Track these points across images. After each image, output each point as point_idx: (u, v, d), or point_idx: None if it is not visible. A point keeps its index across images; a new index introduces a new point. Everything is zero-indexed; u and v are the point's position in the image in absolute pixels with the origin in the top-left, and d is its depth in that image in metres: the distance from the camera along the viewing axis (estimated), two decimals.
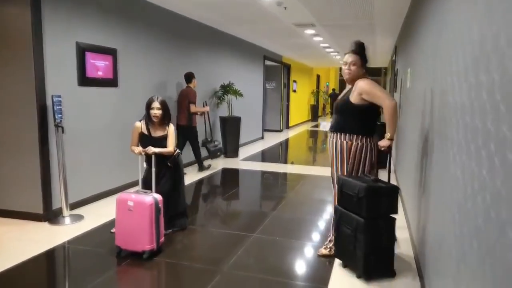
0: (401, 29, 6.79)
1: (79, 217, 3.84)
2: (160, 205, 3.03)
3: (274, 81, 12.67)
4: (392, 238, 2.72)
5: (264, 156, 8.33)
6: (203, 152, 6.40)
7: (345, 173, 2.93)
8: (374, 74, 21.33)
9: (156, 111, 3.29)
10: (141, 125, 3.36)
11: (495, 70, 1.25)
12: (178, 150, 3.49)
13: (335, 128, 2.96)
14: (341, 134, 2.90)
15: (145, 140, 3.33)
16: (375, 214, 2.65)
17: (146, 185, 3.31)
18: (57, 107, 3.66)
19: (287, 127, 13.80)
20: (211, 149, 6.49)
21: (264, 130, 11.18)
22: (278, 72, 12.59)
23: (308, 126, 15.26)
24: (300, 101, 15.62)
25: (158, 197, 3.05)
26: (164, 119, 3.37)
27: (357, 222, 2.65)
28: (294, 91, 14.38)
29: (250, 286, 2.67)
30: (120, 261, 2.97)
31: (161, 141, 3.35)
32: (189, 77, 5.94)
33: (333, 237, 3.05)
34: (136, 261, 2.95)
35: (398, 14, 5.77)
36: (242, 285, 2.68)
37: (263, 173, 6.56)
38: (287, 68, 13.23)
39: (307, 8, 5.47)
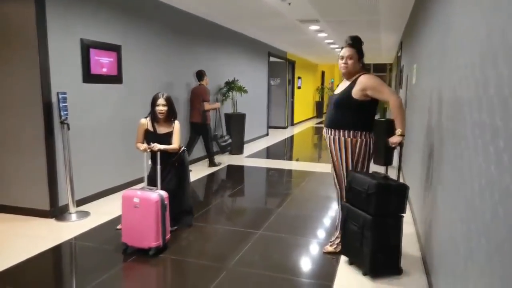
0: (407, 24, 6.74)
1: (85, 214, 3.86)
2: (166, 202, 3.04)
3: (279, 78, 12.64)
4: (399, 236, 2.70)
5: (269, 153, 8.32)
6: (214, 148, 6.51)
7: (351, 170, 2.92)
8: (379, 70, 21.21)
9: (161, 108, 3.29)
10: (146, 122, 3.36)
11: (503, 65, 1.24)
12: (183, 147, 3.49)
13: (335, 125, 2.90)
14: (344, 131, 2.86)
15: (150, 137, 3.33)
16: (383, 212, 2.63)
17: (152, 182, 3.31)
18: (63, 104, 3.68)
19: (292, 124, 13.77)
20: (221, 144, 6.59)
21: (269, 127, 11.16)
22: (282, 69, 12.55)
23: (313, 123, 15.21)
24: (305, 97, 15.57)
25: (164, 194, 3.05)
26: (170, 116, 3.37)
27: (365, 219, 2.64)
28: (299, 87, 14.34)
29: (255, 283, 2.67)
30: (126, 257, 2.98)
31: (167, 138, 3.34)
32: (201, 75, 6.06)
33: (339, 234, 3.04)
34: (142, 258, 2.96)
35: (403, 9, 5.72)
36: (247, 282, 2.68)
37: (268, 170, 6.55)
38: (292, 64, 13.18)
39: (312, 3, 5.43)
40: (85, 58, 4.10)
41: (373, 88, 2.77)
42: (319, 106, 17.76)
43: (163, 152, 3.26)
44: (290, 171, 6.55)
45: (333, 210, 4.19)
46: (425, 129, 3.22)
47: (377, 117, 6.82)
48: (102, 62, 4.35)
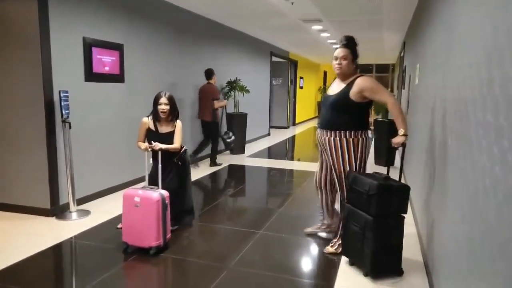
0: (410, 24, 6.71)
1: (86, 213, 3.86)
2: (167, 201, 3.02)
3: (281, 78, 12.62)
4: (401, 237, 2.68)
5: (271, 152, 8.30)
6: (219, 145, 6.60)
7: (353, 170, 2.91)
8: (382, 70, 21.16)
9: (163, 107, 3.28)
10: (148, 121, 3.35)
11: (509, 64, 1.22)
12: (185, 147, 3.48)
13: (332, 126, 2.88)
14: (345, 132, 2.86)
15: (152, 136, 3.32)
16: (384, 213, 2.61)
17: (153, 182, 3.30)
18: (64, 103, 3.67)
19: (294, 124, 13.76)
20: (226, 140, 6.65)
21: (271, 126, 11.14)
22: (284, 68, 12.54)
23: (315, 123, 15.19)
24: (307, 97, 15.56)
25: (165, 193, 3.04)
26: (172, 115, 3.36)
27: (366, 220, 2.62)
28: (301, 87, 14.32)
29: (256, 283, 2.65)
30: (126, 257, 2.97)
31: (168, 137, 3.33)
32: (209, 74, 6.18)
33: (340, 235, 3.03)
34: (142, 257, 2.95)
35: (407, 8, 5.70)
36: (248, 282, 2.67)
37: (270, 169, 6.54)
38: (294, 64, 13.17)
39: (314, 3, 5.41)
40: (87, 57, 4.10)
41: (371, 90, 2.78)
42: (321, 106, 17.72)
43: (164, 151, 3.25)
44: (291, 171, 6.53)
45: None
46: (428, 129, 3.20)
47: (379, 117, 6.81)
48: (104, 61, 4.34)
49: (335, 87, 2.97)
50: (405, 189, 2.68)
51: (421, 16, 4.68)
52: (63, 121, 3.70)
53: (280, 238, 3.40)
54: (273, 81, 12.04)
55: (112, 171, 4.58)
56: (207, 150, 6.71)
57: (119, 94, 4.65)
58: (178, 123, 3.41)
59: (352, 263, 2.85)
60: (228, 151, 7.62)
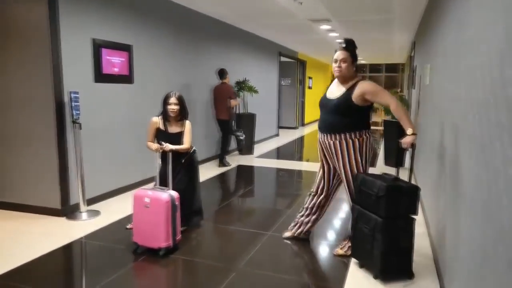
0: (420, 23, 6.64)
1: (96, 213, 3.88)
2: (177, 202, 3.02)
3: (289, 78, 12.59)
4: (411, 239, 2.65)
5: (279, 153, 8.28)
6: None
7: (362, 170, 2.89)
8: (391, 70, 21.00)
9: (173, 107, 3.29)
10: (158, 121, 3.36)
11: None
12: (194, 148, 3.48)
13: (336, 129, 2.87)
14: (350, 133, 2.85)
15: (161, 136, 3.33)
16: (394, 214, 2.58)
17: (162, 182, 3.31)
18: (75, 104, 3.70)
19: (303, 124, 13.72)
20: (240, 137, 6.72)
21: (279, 127, 11.12)
22: (293, 69, 12.50)
23: None
24: (315, 98, 15.44)
25: (175, 194, 3.04)
26: (181, 115, 3.37)
27: (376, 221, 2.59)
28: (310, 87, 14.27)
29: (264, 284, 2.64)
30: (136, 257, 2.98)
31: (178, 138, 3.34)
32: (223, 74, 6.34)
33: (349, 237, 3.01)
34: (151, 258, 2.96)
35: (417, 7, 5.63)
36: (257, 284, 2.66)
37: (278, 170, 6.52)
38: (303, 64, 13.12)
39: (324, 3, 5.39)
40: (97, 58, 4.13)
41: (372, 93, 2.81)
42: None
43: (173, 151, 3.26)
44: (300, 171, 6.51)
45: (344, 212, 4.14)
46: (439, 130, 3.16)
47: (388, 118, 6.74)
48: (114, 62, 4.37)
49: (335, 90, 2.95)
50: (415, 190, 2.64)
51: (431, 15, 4.63)
52: (74, 122, 3.73)
53: (289, 240, 3.38)
54: (282, 81, 12.02)
55: (121, 172, 4.60)
56: (212, 151, 6.72)
57: (128, 95, 4.67)
58: (187, 123, 3.41)
59: (361, 265, 2.83)
60: (236, 152, 7.62)
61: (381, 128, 10.43)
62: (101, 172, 4.29)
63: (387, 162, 6.59)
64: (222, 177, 5.82)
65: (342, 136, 2.86)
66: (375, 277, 2.66)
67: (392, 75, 21.17)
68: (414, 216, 2.65)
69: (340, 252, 3.04)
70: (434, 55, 4.06)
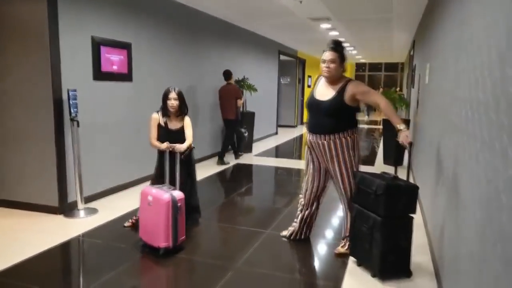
0: (420, 22, 6.63)
1: (94, 211, 3.88)
2: (180, 203, 2.94)
3: (289, 76, 12.58)
4: (410, 238, 2.65)
5: (278, 151, 8.28)
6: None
7: (354, 167, 2.93)
8: (391, 69, 21.00)
9: (173, 102, 3.29)
10: (158, 117, 3.35)
11: None
12: (192, 145, 3.48)
13: (329, 130, 2.88)
14: (343, 133, 2.88)
15: (162, 132, 3.32)
16: (392, 213, 2.58)
17: (158, 180, 3.30)
18: (73, 101, 3.69)
19: (302, 122, 13.70)
20: (244, 134, 6.92)
21: (278, 125, 11.11)
22: (293, 67, 12.49)
23: None
24: None
25: (178, 195, 2.97)
26: (181, 111, 3.37)
27: (374, 220, 2.59)
28: (309, 86, 14.25)
29: (263, 283, 2.64)
30: (133, 255, 2.98)
31: (178, 134, 3.34)
32: (228, 74, 6.49)
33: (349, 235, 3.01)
34: (149, 256, 2.95)
35: (417, 6, 5.62)
36: (255, 282, 2.65)
37: (277, 169, 6.52)
38: (302, 63, 13.11)
39: (323, 1, 5.37)
40: (96, 56, 4.11)
41: (363, 93, 2.87)
42: None
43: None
44: (299, 170, 6.50)
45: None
46: (439, 129, 3.16)
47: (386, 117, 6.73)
48: (113, 60, 4.36)
49: (325, 92, 2.95)
50: (414, 189, 2.65)
51: (431, 14, 4.62)
52: (72, 120, 3.72)
53: (287, 238, 3.37)
54: (281, 80, 12.01)
55: (120, 170, 4.59)
56: (211, 149, 6.71)
57: (127, 93, 4.66)
58: (187, 118, 3.42)
59: (360, 263, 2.83)
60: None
61: (380, 126, 10.43)
62: (99, 170, 4.28)
63: (386, 161, 6.59)
64: (220, 175, 5.81)
65: (336, 135, 2.89)
66: (373, 275, 2.66)
67: (391, 74, 21.17)
68: (412, 215, 2.65)
69: (342, 250, 3.03)
70: (434, 54, 4.06)
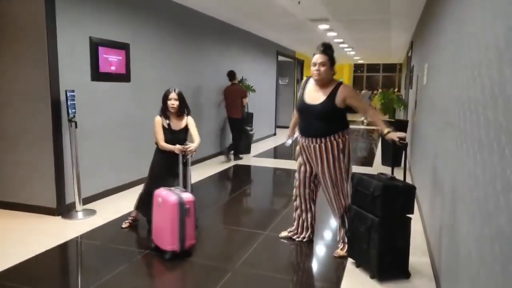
0: (418, 23, 6.64)
1: (92, 212, 3.86)
2: (188, 206, 2.87)
3: (287, 77, 12.58)
4: (408, 238, 2.65)
5: (276, 153, 8.28)
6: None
7: (345, 172, 2.94)
8: (389, 70, 21.03)
9: (173, 102, 3.30)
10: (161, 119, 3.36)
11: None
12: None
13: (323, 133, 2.90)
14: (335, 135, 2.90)
15: (166, 133, 3.33)
16: (390, 213, 2.58)
17: (158, 181, 3.29)
18: (71, 102, 3.68)
19: None
20: (250, 132, 7.24)
21: (277, 126, 11.11)
22: (291, 68, 12.50)
23: None
24: None
25: (187, 197, 2.90)
26: (181, 111, 3.37)
27: (372, 221, 2.59)
28: None
29: (261, 284, 2.63)
30: (131, 256, 2.97)
31: (182, 134, 3.37)
32: (233, 75, 6.71)
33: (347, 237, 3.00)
34: (147, 257, 2.95)
35: (415, 7, 5.64)
36: (253, 283, 2.65)
37: (275, 170, 6.51)
38: (301, 63, 13.12)
39: (322, 2, 5.38)
40: (94, 56, 4.10)
41: (352, 97, 2.90)
42: None
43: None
44: None
45: None
46: (437, 130, 3.16)
47: (386, 117, 6.73)
48: (111, 61, 4.35)
49: (315, 95, 2.95)
50: (411, 189, 2.65)
51: (429, 15, 4.63)
52: (70, 121, 3.71)
53: (285, 239, 3.37)
54: (280, 81, 12.01)
55: (118, 171, 4.58)
56: (214, 148, 6.72)
57: (125, 94, 4.65)
58: (190, 118, 3.44)
59: (358, 265, 2.82)
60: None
61: (378, 127, 10.46)
62: (97, 171, 4.26)
63: (384, 162, 6.59)
64: (219, 176, 5.80)
65: (328, 138, 2.90)
66: (372, 276, 2.66)
67: (389, 75, 21.20)
68: (410, 216, 2.66)
69: (341, 253, 3.02)
70: (432, 55, 4.07)
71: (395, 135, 2.76)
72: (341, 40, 9.27)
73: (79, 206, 3.81)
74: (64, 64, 3.77)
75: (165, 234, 2.87)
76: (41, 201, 3.82)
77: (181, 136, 3.35)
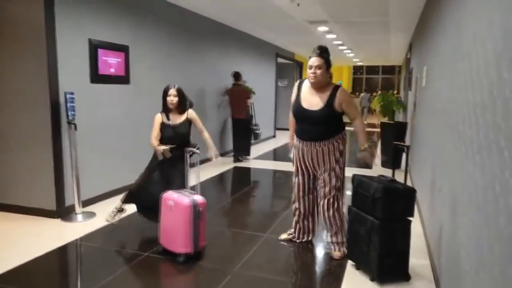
0: (417, 25, 6.66)
1: (91, 214, 3.86)
2: (200, 208, 2.88)
3: (286, 79, 12.58)
4: (408, 241, 2.65)
5: (276, 154, 8.27)
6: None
7: (342, 167, 3.01)
8: (388, 72, 21.07)
9: (172, 98, 3.34)
10: (161, 116, 3.38)
11: None
12: (197, 146, 3.50)
13: (323, 137, 2.93)
14: (334, 138, 2.95)
15: (167, 129, 3.35)
16: (390, 216, 2.58)
17: (153, 184, 3.31)
18: (70, 104, 3.68)
19: None
20: (256, 131, 7.34)
21: (276, 128, 11.11)
22: (290, 70, 12.50)
23: None
24: None
25: (200, 199, 2.92)
26: (181, 106, 3.39)
27: (372, 223, 2.59)
28: None
29: (261, 287, 2.63)
30: (130, 259, 2.96)
31: (182, 127, 3.39)
32: (238, 76, 6.79)
33: (345, 238, 3.00)
34: (146, 260, 2.94)
35: (414, 9, 5.65)
36: (253, 286, 2.64)
37: (275, 172, 6.51)
38: (300, 66, 13.13)
39: (321, 4, 5.39)
40: (93, 58, 4.11)
41: (347, 103, 2.95)
42: None
43: (180, 145, 3.34)
44: None
45: None
46: (436, 132, 3.16)
47: (385, 120, 6.74)
48: (110, 63, 4.35)
49: (313, 100, 2.95)
50: (411, 192, 2.65)
51: (428, 17, 4.64)
52: (69, 123, 3.71)
53: (285, 242, 3.37)
54: (279, 83, 12.01)
55: (117, 173, 4.58)
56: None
57: (125, 96, 4.65)
58: (191, 112, 3.48)
59: (358, 267, 2.82)
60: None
61: (378, 130, 10.44)
62: (96, 173, 4.26)
63: (384, 164, 6.59)
64: (218, 178, 5.80)
65: (326, 142, 2.94)
66: (372, 279, 2.65)
67: (388, 77, 21.24)
68: (410, 218, 2.65)
69: (338, 254, 3.01)
70: (431, 57, 4.07)
71: (366, 156, 3.02)
72: (340, 42, 9.29)
73: (78, 209, 3.81)
74: (63, 66, 3.77)
75: (178, 237, 2.85)
76: (41, 204, 3.81)
77: (182, 130, 3.38)
